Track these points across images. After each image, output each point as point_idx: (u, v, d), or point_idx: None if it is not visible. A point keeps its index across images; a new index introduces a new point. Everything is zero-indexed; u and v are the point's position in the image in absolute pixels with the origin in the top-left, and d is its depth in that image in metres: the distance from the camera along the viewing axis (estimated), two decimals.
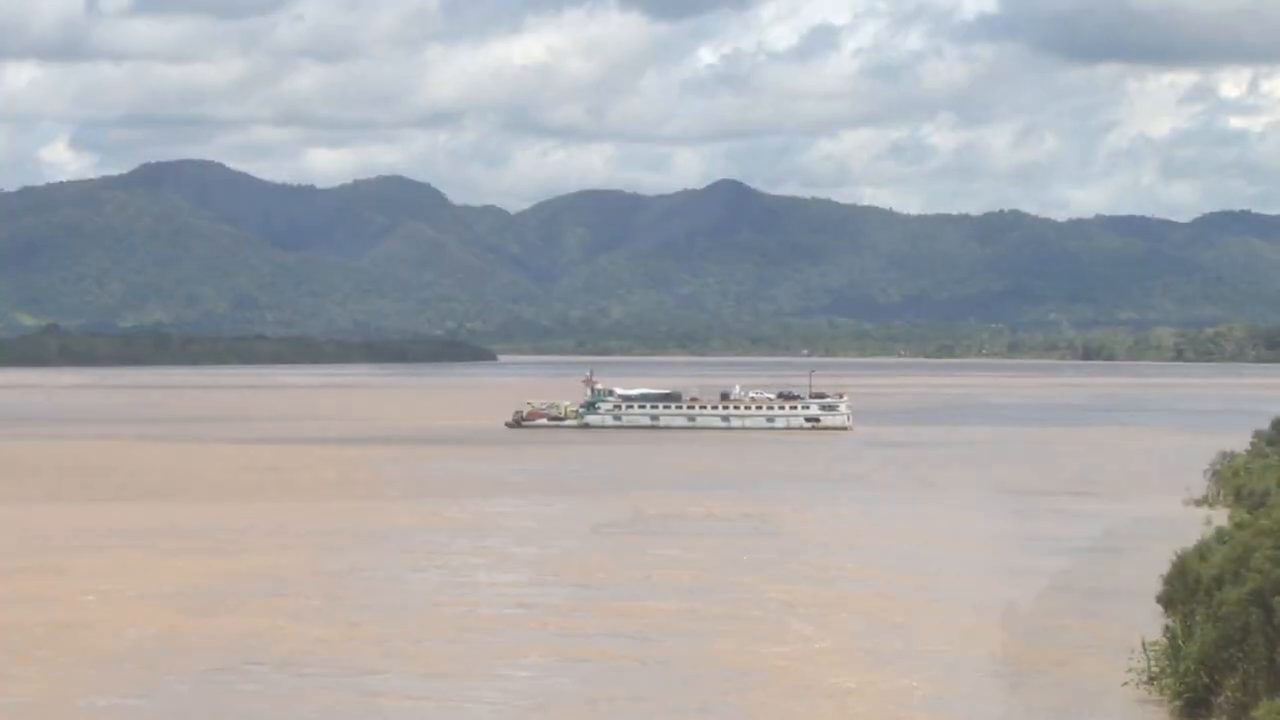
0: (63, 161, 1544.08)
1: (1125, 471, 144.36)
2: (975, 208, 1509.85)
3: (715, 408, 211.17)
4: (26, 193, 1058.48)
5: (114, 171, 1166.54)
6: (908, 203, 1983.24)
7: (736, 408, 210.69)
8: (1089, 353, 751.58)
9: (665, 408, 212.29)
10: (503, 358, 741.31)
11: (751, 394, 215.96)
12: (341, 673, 57.46)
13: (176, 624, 66.04)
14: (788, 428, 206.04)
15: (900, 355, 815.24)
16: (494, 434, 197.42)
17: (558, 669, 58.93)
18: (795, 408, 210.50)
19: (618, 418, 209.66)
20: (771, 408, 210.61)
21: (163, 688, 55.32)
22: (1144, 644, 53.42)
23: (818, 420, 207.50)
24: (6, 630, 64.60)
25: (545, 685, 56.32)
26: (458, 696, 54.61)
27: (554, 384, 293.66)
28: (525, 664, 59.46)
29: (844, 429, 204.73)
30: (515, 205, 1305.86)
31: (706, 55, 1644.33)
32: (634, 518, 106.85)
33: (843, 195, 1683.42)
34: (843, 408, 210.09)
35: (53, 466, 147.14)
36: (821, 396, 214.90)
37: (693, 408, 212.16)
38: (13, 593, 73.58)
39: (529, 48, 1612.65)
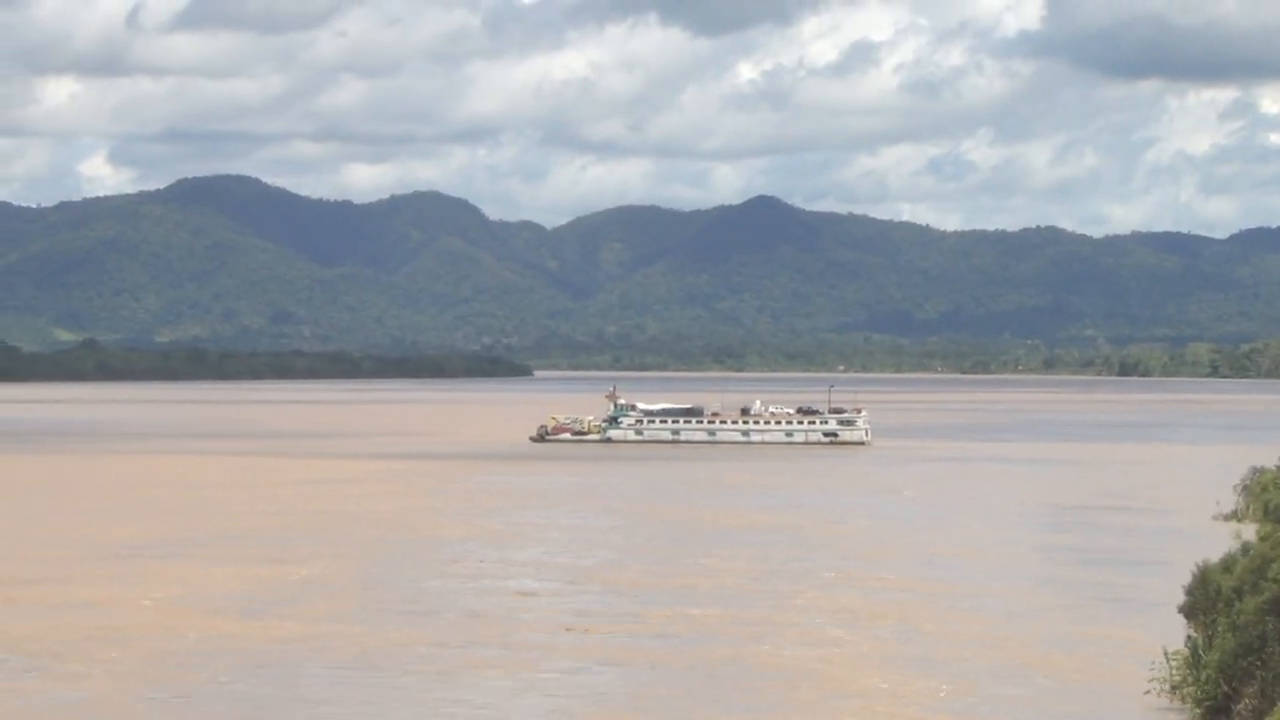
0: (101, 176, 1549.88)
1: (1157, 487, 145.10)
2: (1013, 224, 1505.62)
3: (735, 423, 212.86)
4: (64, 207, 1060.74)
5: (152, 187, 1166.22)
6: (945, 219, 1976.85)
7: (756, 422, 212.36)
8: (1125, 369, 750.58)
9: (686, 422, 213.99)
10: (539, 373, 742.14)
11: (771, 409, 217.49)
12: (388, 675, 59.56)
13: (230, 628, 68.39)
14: (806, 442, 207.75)
15: (936, 371, 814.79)
16: (518, 449, 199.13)
17: (601, 671, 61.05)
18: (814, 423, 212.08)
19: (639, 432, 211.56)
20: (790, 422, 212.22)
21: (217, 687, 57.65)
22: (1166, 653, 54.64)
23: (836, 435, 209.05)
24: (73, 633, 67.26)
25: (590, 686, 58.44)
26: (504, 698, 56.69)
27: (586, 400, 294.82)
28: (569, 667, 61.53)
29: (862, 444, 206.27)
30: (552, 221, 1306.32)
31: (747, 71, 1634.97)
32: (664, 529, 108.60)
33: (881, 211, 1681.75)
34: (860, 423, 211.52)
35: (106, 480, 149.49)
36: (840, 412, 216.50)
37: (713, 422, 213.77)
38: (77, 599, 76.05)
39: (570, 63, 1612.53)
